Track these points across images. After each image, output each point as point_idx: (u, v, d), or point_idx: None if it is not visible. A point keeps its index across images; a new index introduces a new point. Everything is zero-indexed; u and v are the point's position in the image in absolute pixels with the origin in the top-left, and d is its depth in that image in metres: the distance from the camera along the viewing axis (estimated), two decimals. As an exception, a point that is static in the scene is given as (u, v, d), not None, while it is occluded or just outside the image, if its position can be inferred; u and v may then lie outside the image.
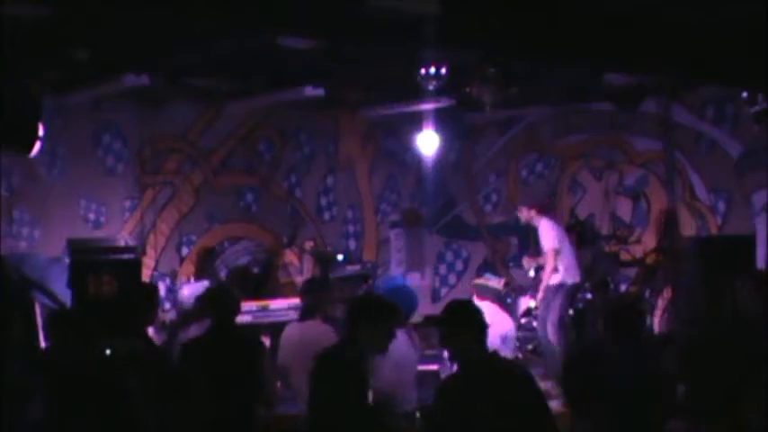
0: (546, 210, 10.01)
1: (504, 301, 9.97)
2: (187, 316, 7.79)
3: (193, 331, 6.59)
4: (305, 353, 6.33)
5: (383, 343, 5.06)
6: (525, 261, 10.33)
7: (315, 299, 6.89)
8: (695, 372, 5.75)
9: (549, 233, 9.48)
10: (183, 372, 5.68)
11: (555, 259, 9.35)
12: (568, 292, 9.53)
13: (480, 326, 4.75)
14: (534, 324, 10.07)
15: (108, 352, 5.41)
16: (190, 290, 8.95)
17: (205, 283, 8.70)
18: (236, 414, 5.52)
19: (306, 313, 6.89)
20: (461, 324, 4.77)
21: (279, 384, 6.73)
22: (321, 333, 6.52)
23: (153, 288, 6.53)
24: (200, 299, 7.02)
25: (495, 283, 8.22)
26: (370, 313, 5.05)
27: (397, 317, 5.29)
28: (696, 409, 5.69)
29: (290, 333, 6.89)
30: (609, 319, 5.58)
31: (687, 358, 5.84)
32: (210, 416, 5.44)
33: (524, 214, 9.79)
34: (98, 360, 5.39)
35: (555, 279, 9.50)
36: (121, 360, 5.35)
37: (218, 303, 5.88)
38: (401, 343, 5.91)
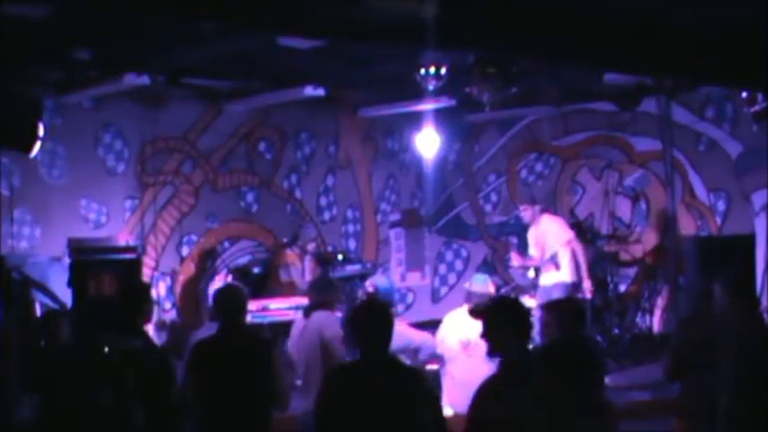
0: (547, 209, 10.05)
1: None
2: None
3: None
4: (306, 340, 6.44)
5: None
6: (514, 258, 10.14)
7: (320, 296, 6.83)
8: (689, 370, 5.77)
9: (561, 225, 9.54)
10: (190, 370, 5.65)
11: (561, 258, 9.41)
12: (570, 290, 9.54)
13: (522, 323, 4.62)
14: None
15: (106, 349, 5.40)
16: None
17: None
18: (248, 415, 5.49)
19: (310, 309, 6.81)
20: (503, 319, 4.62)
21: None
22: (322, 319, 6.52)
23: (145, 285, 6.51)
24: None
25: (484, 287, 7.43)
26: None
27: None
28: (694, 407, 5.71)
29: (294, 327, 6.85)
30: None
31: (682, 357, 5.86)
32: (222, 417, 5.42)
33: (528, 213, 9.76)
34: (96, 357, 5.38)
35: (559, 278, 9.50)
36: (118, 357, 5.35)
37: (226, 303, 5.84)
38: None
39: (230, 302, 5.81)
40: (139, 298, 5.88)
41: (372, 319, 4.74)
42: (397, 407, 4.57)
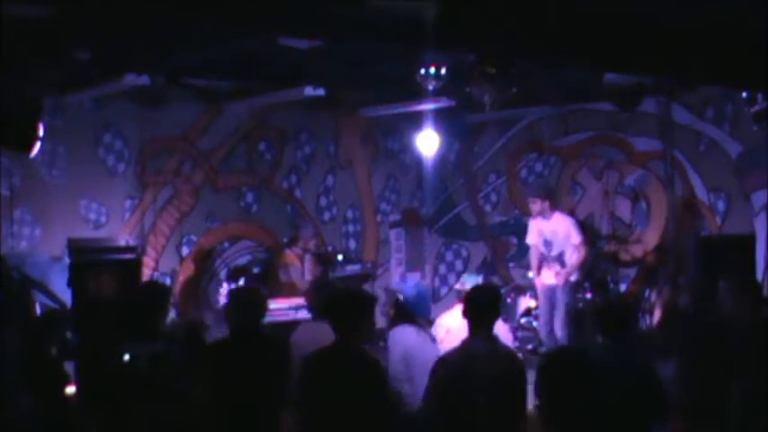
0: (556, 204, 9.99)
1: None
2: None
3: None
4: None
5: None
6: (557, 274, 9.78)
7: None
8: (690, 371, 5.77)
9: (573, 227, 9.50)
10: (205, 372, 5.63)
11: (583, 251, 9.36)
12: (573, 290, 9.52)
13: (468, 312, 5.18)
14: (534, 324, 10.07)
15: (127, 357, 5.37)
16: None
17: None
18: (261, 416, 5.46)
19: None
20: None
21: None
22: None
23: (166, 288, 6.48)
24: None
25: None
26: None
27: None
28: (692, 408, 5.71)
29: (303, 335, 6.62)
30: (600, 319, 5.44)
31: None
32: (235, 418, 5.40)
33: (537, 206, 9.70)
34: (118, 365, 5.35)
35: (560, 278, 9.46)
36: (146, 363, 5.32)
37: (245, 304, 5.78)
38: (411, 336, 5.95)
39: (250, 305, 5.74)
40: (159, 300, 5.85)
41: (341, 307, 5.12)
42: (356, 392, 4.92)
